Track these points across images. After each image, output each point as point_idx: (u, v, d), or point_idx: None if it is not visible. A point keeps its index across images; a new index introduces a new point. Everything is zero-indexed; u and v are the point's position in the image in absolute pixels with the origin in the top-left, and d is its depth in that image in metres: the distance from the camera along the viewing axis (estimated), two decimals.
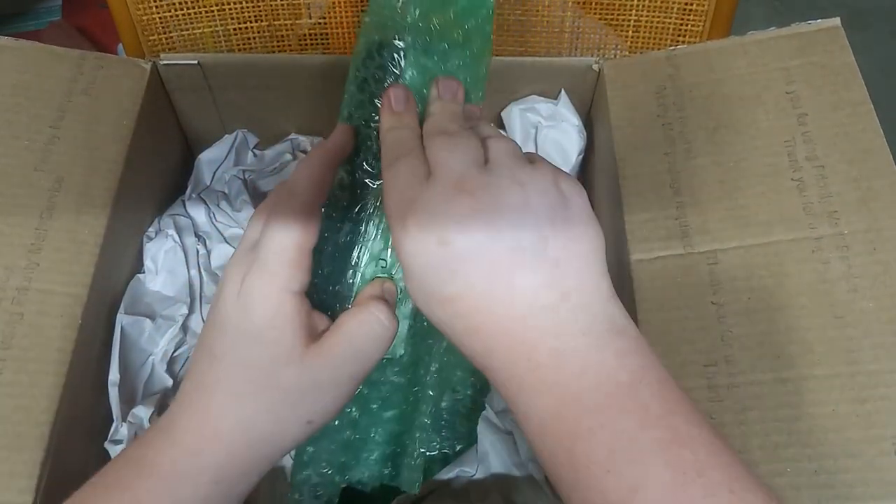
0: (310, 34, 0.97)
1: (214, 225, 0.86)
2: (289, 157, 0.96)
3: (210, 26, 0.94)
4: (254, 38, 0.96)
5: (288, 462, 0.75)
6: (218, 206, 0.87)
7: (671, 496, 0.39)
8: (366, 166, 0.56)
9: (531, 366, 0.43)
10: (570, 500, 0.42)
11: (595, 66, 0.86)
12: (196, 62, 0.88)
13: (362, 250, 0.55)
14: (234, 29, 0.95)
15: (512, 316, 0.44)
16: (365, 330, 0.51)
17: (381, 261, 0.55)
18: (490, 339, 0.45)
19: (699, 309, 0.66)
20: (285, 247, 0.49)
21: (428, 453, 0.78)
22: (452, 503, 0.72)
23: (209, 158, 0.95)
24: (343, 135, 0.58)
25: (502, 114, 0.93)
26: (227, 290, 0.50)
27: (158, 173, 0.90)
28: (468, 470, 0.73)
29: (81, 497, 0.48)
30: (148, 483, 0.47)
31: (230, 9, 0.93)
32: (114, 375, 0.73)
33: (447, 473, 0.73)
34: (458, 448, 0.77)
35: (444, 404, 0.79)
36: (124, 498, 0.47)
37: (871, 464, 0.58)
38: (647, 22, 0.97)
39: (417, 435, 0.68)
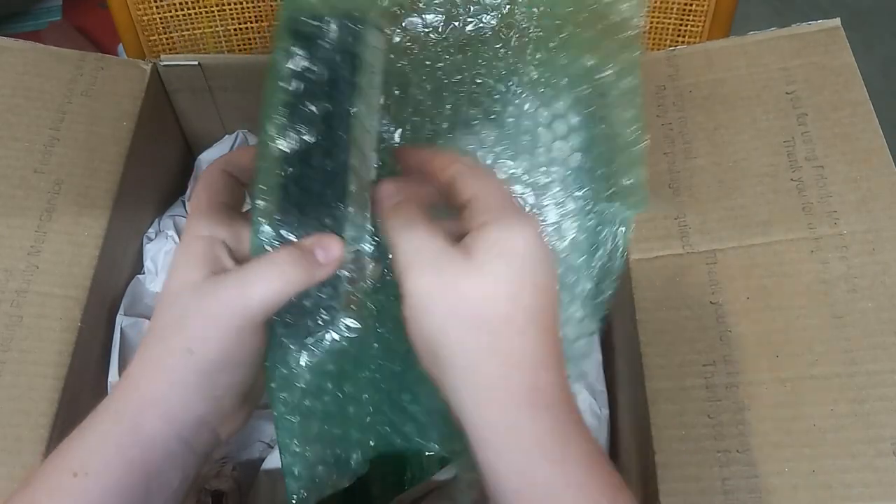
0: None
1: None
2: None
3: (210, 27, 0.94)
4: (254, 38, 0.96)
5: None
6: None
7: None
8: None
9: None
10: None
11: None
12: (196, 63, 0.88)
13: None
14: (235, 29, 0.95)
15: None
16: (263, 270, 0.50)
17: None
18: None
19: (698, 308, 0.66)
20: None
21: (428, 454, 0.78)
22: None
23: (209, 158, 0.95)
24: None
25: None
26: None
27: (158, 174, 0.90)
28: (467, 470, 0.73)
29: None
30: (57, 455, 0.48)
31: (230, 9, 0.93)
32: (113, 377, 0.73)
33: (446, 473, 0.72)
34: (458, 448, 0.77)
35: (442, 404, 0.79)
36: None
37: (869, 464, 0.58)
38: (646, 22, 0.97)
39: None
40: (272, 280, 0.48)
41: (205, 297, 0.48)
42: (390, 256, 0.50)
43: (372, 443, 0.66)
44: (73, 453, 0.47)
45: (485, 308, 0.45)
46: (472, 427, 0.45)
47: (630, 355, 0.69)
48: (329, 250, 0.49)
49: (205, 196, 0.53)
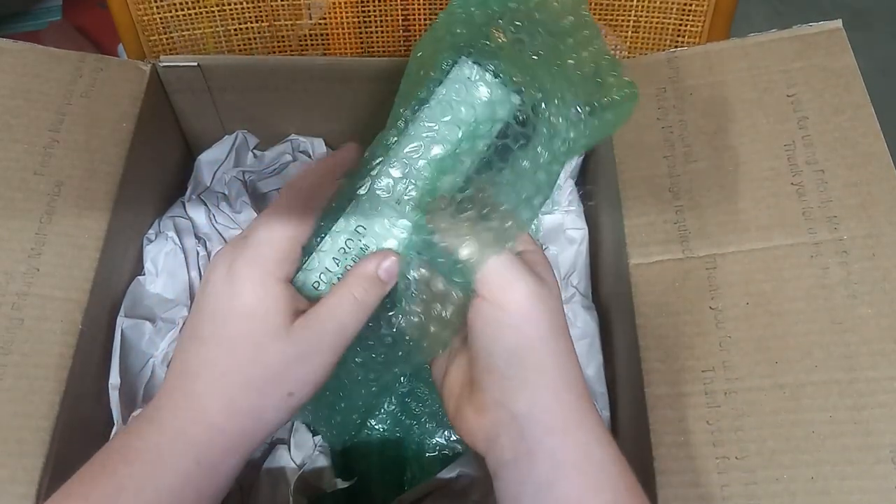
0: (310, 35, 0.97)
1: (214, 226, 0.86)
2: (289, 157, 0.96)
3: (210, 27, 0.94)
4: (254, 38, 0.96)
5: (289, 462, 0.75)
6: (218, 207, 0.87)
7: None
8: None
9: None
10: None
11: None
12: (196, 64, 0.87)
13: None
14: (235, 30, 0.94)
15: None
16: (343, 303, 0.52)
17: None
18: None
19: (698, 314, 0.66)
20: (277, 237, 0.52)
21: (428, 454, 0.78)
22: None
23: (209, 159, 0.95)
24: (350, 152, 0.58)
25: None
26: (215, 275, 0.52)
27: (158, 175, 0.90)
28: (468, 470, 0.73)
29: (68, 489, 0.49)
30: (131, 469, 0.48)
31: (231, 10, 0.93)
32: (114, 379, 0.73)
33: (448, 474, 0.73)
34: (458, 449, 0.77)
35: None
36: (108, 485, 0.48)
37: (868, 471, 0.58)
38: (646, 22, 0.97)
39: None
40: (356, 314, 0.53)
41: (300, 344, 0.51)
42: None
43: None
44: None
45: (559, 317, 0.52)
46: (543, 416, 0.50)
47: (629, 360, 0.69)
48: (390, 270, 0.54)
49: (294, 220, 0.53)
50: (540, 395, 0.50)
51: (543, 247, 0.70)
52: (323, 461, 0.75)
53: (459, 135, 0.53)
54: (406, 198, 0.54)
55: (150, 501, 0.48)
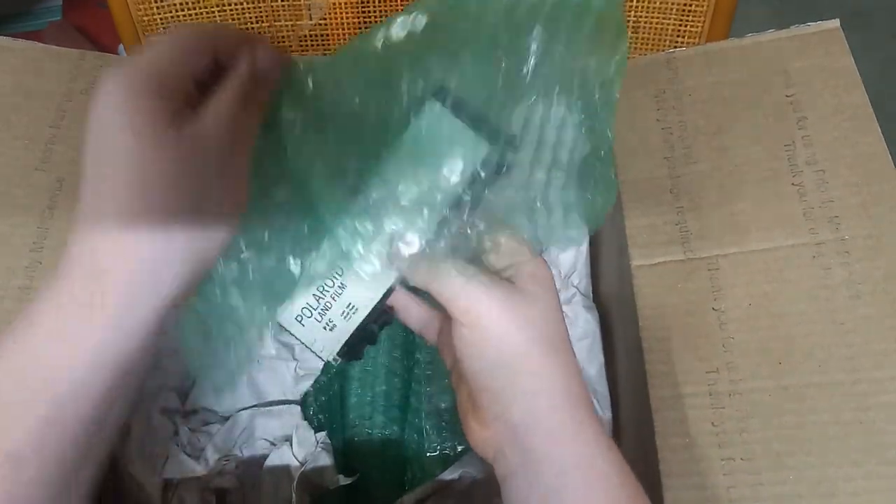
0: (310, 35, 0.97)
1: None
2: None
3: None
4: None
5: (291, 460, 0.75)
6: None
7: None
8: None
9: None
10: None
11: None
12: None
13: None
14: None
15: None
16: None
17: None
18: None
19: (700, 315, 0.66)
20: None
21: (429, 454, 0.78)
22: None
23: None
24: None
25: None
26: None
27: None
28: (471, 471, 0.73)
29: None
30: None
31: (231, 10, 0.93)
32: None
33: (450, 474, 0.73)
34: (459, 449, 0.77)
35: (444, 405, 0.79)
36: None
37: (873, 472, 0.58)
38: (646, 22, 0.97)
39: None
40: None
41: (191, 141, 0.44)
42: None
43: None
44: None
45: (550, 332, 0.51)
46: (541, 425, 0.50)
47: (632, 362, 0.69)
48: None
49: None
50: (533, 404, 0.50)
51: (544, 248, 0.69)
52: (325, 459, 0.75)
53: (427, 182, 0.53)
54: (374, 242, 0.53)
55: None
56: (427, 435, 0.79)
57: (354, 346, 0.58)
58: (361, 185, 0.53)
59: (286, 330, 0.57)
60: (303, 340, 0.57)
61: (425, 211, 0.52)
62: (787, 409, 0.61)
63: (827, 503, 0.57)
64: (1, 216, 0.70)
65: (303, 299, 0.56)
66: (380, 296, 0.56)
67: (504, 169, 0.52)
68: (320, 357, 0.58)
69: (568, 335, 0.52)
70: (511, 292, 0.50)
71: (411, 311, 0.59)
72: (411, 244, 0.52)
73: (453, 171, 0.52)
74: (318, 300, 0.56)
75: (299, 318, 0.57)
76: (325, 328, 0.57)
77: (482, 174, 0.52)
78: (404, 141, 0.52)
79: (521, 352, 0.49)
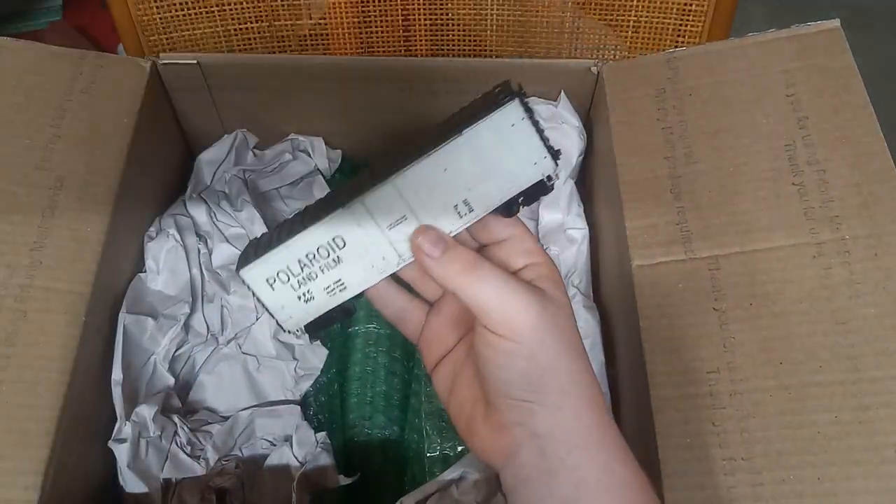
0: (310, 35, 0.97)
1: (215, 224, 0.86)
2: (288, 156, 0.96)
3: (210, 27, 0.94)
4: (254, 38, 0.96)
5: (291, 459, 0.75)
6: (219, 205, 0.87)
7: None
8: None
9: None
10: None
11: (594, 69, 0.86)
12: (195, 61, 0.87)
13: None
14: (235, 30, 0.94)
15: None
16: None
17: None
18: None
19: (701, 315, 0.66)
20: None
21: (429, 454, 0.78)
22: None
23: (209, 158, 0.95)
24: None
25: None
26: None
27: (159, 173, 0.90)
28: (471, 471, 0.73)
29: None
30: None
31: (230, 9, 0.93)
32: (117, 374, 0.73)
33: (450, 474, 0.73)
34: (459, 449, 0.77)
35: None
36: None
37: (874, 471, 0.58)
38: (646, 22, 0.97)
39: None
40: None
41: None
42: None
43: None
44: None
45: (575, 338, 0.50)
46: (565, 434, 0.48)
47: (633, 362, 0.69)
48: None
49: None
50: (560, 416, 0.48)
51: (545, 248, 0.69)
52: (325, 458, 0.75)
53: (474, 185, 0.50)
54: (395, 225, 0.51)
55: None
56: (427, 435, 0.79)
57: (325, 323, 0.54)
58: (410, 157, 0.49)
59: (248, 287, 0.52)
60: (266, 304, 0.53)
61: (474, 208, 0.50)
62: (788, 408, 0.61)
63: (828, 502, 0.57)
64: (1, 215, 0.70)
65: (283, 262, 0.52)
66: (377, 280, 0.53)
67: (552, 188, 0.51)
68: (281, 326, 0.54)
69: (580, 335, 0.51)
70: (544, 303, 0.48)
71: (389, 300, 0.57)
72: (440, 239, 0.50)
73: (517, 179, 0.50)
74: (302, 268, 0.52)
75: (271, 281, 0.52)
76: (300, 297, 0.53)
77: (535, 190, 0.50)
78: (470, 131, 0.48)
79: (551, 364, 0.48)
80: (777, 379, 0.62)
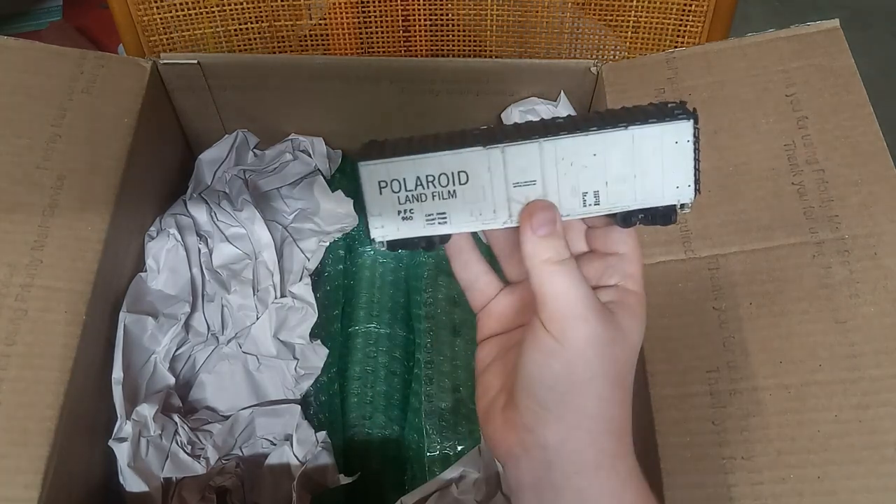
0: (310, 35, 0.97)
1: (216, 224, 0.86)
2: (289, 156, 0.96)
3: (211, 27, 0.94)
4: (254, 38, 0.96)
5: (291, 458, 0.75)
6: (219, 205, 0.87)
7: None
8: None
9: None
10: None
11: (593, 69, 0.86)
12: (196, 61, 0.88)
13: None
14: (235, 30, 0.95)
15: None
16: None
17: None
18: None
19: (701, 314, 0.66)
20: None
21: (429, 454, 0.78)
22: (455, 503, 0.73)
23: (210, 158, 0.95)
24: None
25: (502, 115, 0.94)
26: None
27: (159, 172, 0.90)
28: (471, 470, 0.73)
29: None
30: None
31: (231, 10, 0.93)
32: (117, 373, 0.73)
33: (450, 474, 0.73)
34: (459, 449, 0.77)
35: (444, 405, 0.79)
36: None
37: (874, 470, 0.58)
38: (646, 22, 0.97)
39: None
40: None
41: None
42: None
43: None
44: None
45: (625, 370, 0.48)
46: (573, 455, 0.48)
47: None
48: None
49: None
50: (574, 434, 0.47)
51: None
52: (326, 458, 0.75)
53: (613, 182, 0.49)
54: (521, 186, 0.49)
55: None
56: (427, 435, 0.79)
57: (408, 245, 0.53)
58: (564, 127, 0.48)
59: (359, 180, 0.51)
60: (367, 204, 0.51)
61: (600, 203, 0.49)
62: (788, 407, 0.61)
63: (827, 502, 0.57)
64: (2, 214, 0.70)
65: (403, 173, 0.50)
66: (476, 229, 0.51)
67: (676, 220, 0.50)
68: (370, 231, 0.52)
69: (634, 370, 0.50)
70: (606, 325, 0.47)
71: (471, 263, 0.56)
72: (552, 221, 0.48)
73: (654, 194, 0.48)
74: (416, 186, 0.50)
75: (383, 185, 0.51)
76: (399, 213, 0.51)
77: (663, 213, 0.49)
78: (638, 130, 0.47)
79: (585, 383, 0.47)
80: (777, 378, 0.62)
